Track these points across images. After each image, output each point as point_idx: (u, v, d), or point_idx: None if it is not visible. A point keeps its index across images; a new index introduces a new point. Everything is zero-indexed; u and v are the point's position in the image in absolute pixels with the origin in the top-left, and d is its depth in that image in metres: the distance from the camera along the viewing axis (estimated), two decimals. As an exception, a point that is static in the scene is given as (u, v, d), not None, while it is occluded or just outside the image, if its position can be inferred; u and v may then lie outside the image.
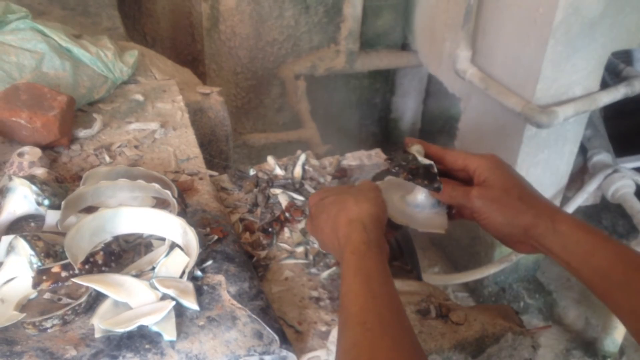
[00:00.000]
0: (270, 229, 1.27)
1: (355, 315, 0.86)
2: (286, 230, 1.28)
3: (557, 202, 2.47)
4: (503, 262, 2.39)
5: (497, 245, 2.50)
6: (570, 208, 2.43)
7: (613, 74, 2.30)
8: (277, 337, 1.00)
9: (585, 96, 2.13)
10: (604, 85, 2.19)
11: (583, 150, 2.50)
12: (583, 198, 2.43)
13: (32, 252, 1.01)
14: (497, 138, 2.31)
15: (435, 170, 1.03)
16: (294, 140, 2.46)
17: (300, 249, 1.25)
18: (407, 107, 3.17)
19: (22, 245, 1.01)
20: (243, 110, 2.71)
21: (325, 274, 1.20)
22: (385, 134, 3.14)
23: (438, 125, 3.29)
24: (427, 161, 1.04)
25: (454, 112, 3.06)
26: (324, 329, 1.10)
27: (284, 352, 1.00)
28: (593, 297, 2.79)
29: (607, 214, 3.16)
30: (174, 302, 0.98)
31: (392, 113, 3.18)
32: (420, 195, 1.11)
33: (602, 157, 2.45)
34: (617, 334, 2.43)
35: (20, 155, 1.24)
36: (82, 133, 1.38)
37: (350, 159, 1.48)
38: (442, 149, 1.09)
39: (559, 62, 2.00)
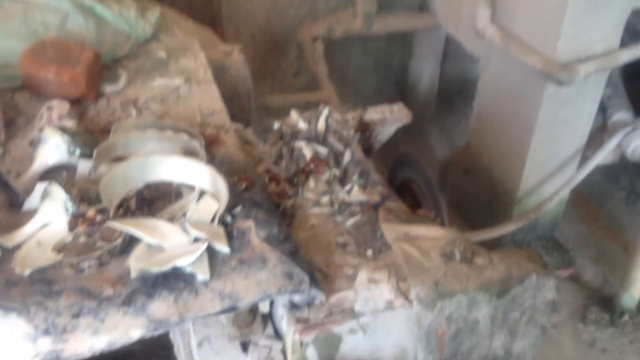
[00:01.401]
0: (295, 180, 1.30)
1: None
2: (311, 180, 1.31)
3: (576, 162, 2.46)
4: (522, 220, 2.40)
5: (516, 204, 2.51)
6: (589, 166, 2.42)
7: (632, 33, 2.28)
8: (306, 278, 1.03)
9: (606, 54, 2.11)
10: (624, 45, 2.17)
11: (602, 109, 2.49)
12: (602, 156, 2.42)
13: (67, 197, 1.04)
14: (517, 97, 2.30)
15: None
16: (312, 101, 2.47)
17: (325, 198, 1.27)
18: (425, 70, 3.16)
19: (57, 191, 1.04)
20: (260, 73, 2.71)
21: (350, 221, 1.23)
22: (402, 97, 3.12)
23: (455, 88, 3.28)
24: None
25: (472, 74, 3.05)
26: (350, 272, 1.13)
27: (313, 292, 1.03)
28: (611, 256, 2.79)
29: (625, 175, 3.15)
30: (206, 244, 1.01)
31: (409, 76, 3.17)
32: None
33: (622, 115, 2.44)
34: (635, 290, 2.44)
35: (50, 108, 1.27)
36: (108, 88, 1.41)
37: (373, 113, 1.50)
38: None
39: (580, 19, 1.99)
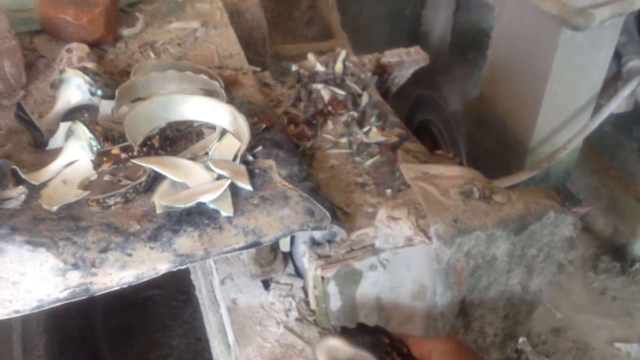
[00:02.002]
0: (314, 121, 1.30)
1: None
2: (329, 122, 1.31)
3: (589, 110, 2.46)
4: (534, 169, 2.40)
5: (528, 154, 2.51)
6: (603, 115, 2.41)
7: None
8: (328, 214, 1.04)
9: (623, -2, 2.09)
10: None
11: (617, 56, 2.47)
12: (616, 104, 2.40)
13: (92, 136, 1.05)
14: (532, 44, 2.28)
15: None
16: (326, 50, 2.45)
17: (344, 140, 1.28)
18: (437, 20, 3.12)
19: (82, 130, 1.05)
20: (272, 23, 2.69)
21: (369, 162, 1.24)
22: (414, 48, 3.11)
23: (468, 39, 3.25)
24: None
25: (484, 25, 3.02)
26: (370, 210, 1.14)
27: (335, 228, 1.05)
28: (622, 205, 2.80)
29: (637, 126, 3.14)
30: (229, 181, 1.02)
31: (422, 26, 3.14)
32: None
33: (637, 62, 2.42)
34: (647, 238, 2.46)
35: (69, 51, 1.27)
36: (125, 32, 1.41)
37: (390, 56, 1.49)
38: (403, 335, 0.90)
39: (596, -38, 1.96)
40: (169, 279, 1.88)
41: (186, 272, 1.63)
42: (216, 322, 1.25)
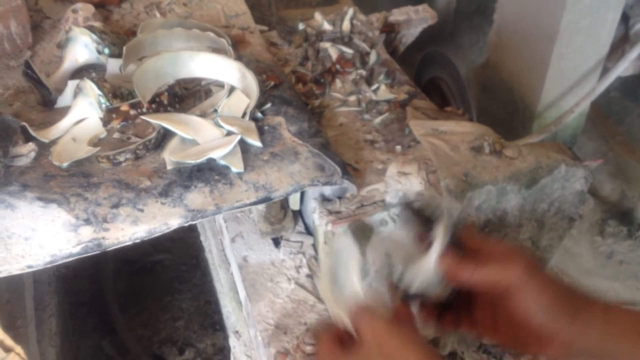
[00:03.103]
0: (322, 80, 1.29)
1: None
2: (337, 81, 1.30)
3: (597, 72, 2.44)
4: (542, 133, 2.39)
5: (535, 118, 2.50)
6: (610, 78, 2.40)
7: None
8: (338, 169, 1.04)
9: (632, -42, 2.06)
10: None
11: (624, 19, 2.44)
12: (623, 67, 2.38)
13: (100, 93, 1.04)
14: (539, 7, 2.26)
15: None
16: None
17: (352, 98, 1.27)
18: (442, -16, 3.10)
19: (90, 87, 1.05)
20: (276, -11, 2.67)
21: (378, 119, 1.23)
22: (419, 14, 3.08)
23: (473, 4, 3.22)
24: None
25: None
26: (380, 166, 1.14)
27: (345, 183, 1.05)
28: (629, 170, 2.79)
29: (645, 90, 3.12)
30: (239, 136, 1.02)
31: (426, -8, 3.12)
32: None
33: (645, 25, 2.40)
34: (654, 203, 2.46)
35: (74, 11, 1.26)
36: (130, -8, 1.39)
37: (397, 15, 1.48)
38: (480, 241, 0.84)
39: None
40: (178, 244, 1.89)
41: (195, 236, 1.63)
42: (227, 281, 1.26)
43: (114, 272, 1.90)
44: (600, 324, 0.74)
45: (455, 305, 0.84)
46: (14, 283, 1.29)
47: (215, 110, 1.09)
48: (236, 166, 1.01)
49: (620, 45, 2.48)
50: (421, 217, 0.85)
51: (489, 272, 0.77)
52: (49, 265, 0.92)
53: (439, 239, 0.80)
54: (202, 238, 1.51)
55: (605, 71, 2.47)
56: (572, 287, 0.78)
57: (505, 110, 2.65)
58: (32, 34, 1.25)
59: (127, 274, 1.93)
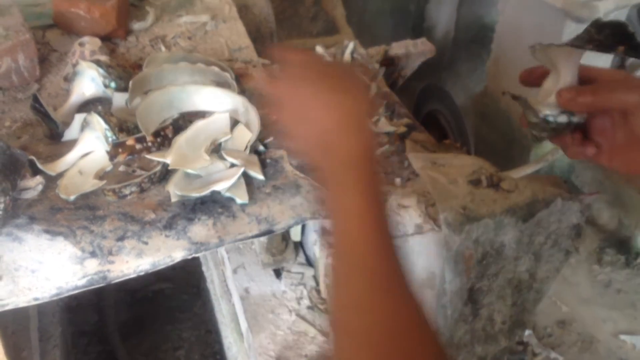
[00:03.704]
0: (323, 113, 1.32)
1: (365, 267, 0.68)
2: (338, 113, 1.33)
3: (594, 102, 2.47)
4: (539, 162, 2.42)
5: (533, 148, 2.53)
6: (607, 108, 2.43)
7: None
8: (339, 202, 1.06)
9: (626, -9, 2.10)
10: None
11: (621, 49, 2.48)
12: (620, 97, 2.42)
13: (107, 127, 1.07)
14: (536, 37, 2.29)
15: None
16: (331, 45, 2.48)
17: (353, 130, 1.29)
18: (441, 14, 3.14)
19: (97, 121, 1.07)
20: (277, 19, 2.70)
21: (378, 151, 1.25)
22: (418, 43, 3.13)
23: (472, 33, 3.26)
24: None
25: (488, 20, 3.03)
26: (380, 198, 1.16)
27: (346, 216, 1.06)
28: (626, 198, 2.80)
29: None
30: (243, 169, 1.04)
31: (425, 21, 3.16)
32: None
33: (640, 55, 2.44)
34: (651, 230, 2.47)
35: (81, 44, 1.29)
36: (136, 25, 1.42)
37: (397, 48, 1.51)
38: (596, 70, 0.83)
39: (600, -45, 1.98)
40: (179, 272, 1.90)
41: (196, 265, 1.65)
42: (229, 311, 1.27)
43: (115, 301, 1.91)
44: None
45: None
46: (19, 314, 1.31)
47: (220, 144, 1.11)
48: (241, 197, 1.03)
49: (616, 75, 2.52)
50: None
51: (609, 95, 0.76)
52: (54, 298, 0.94)
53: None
54: (204, 268, 1.52)
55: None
56: None
57: (503, 139, 2.68)
58: (39, 67, 1.27)
59: (129, 303, 1.94)
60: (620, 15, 2.23)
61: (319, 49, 1.46)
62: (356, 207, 0.69)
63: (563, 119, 0.81)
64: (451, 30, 3.25)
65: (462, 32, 3.28)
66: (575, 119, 0.81)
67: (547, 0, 2.09)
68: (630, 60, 2.48)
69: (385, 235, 0.70)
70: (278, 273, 1.20)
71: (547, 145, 2.44)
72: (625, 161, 0.80)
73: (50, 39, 1.39)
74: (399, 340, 0.63)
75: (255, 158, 1.10)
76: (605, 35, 0.75)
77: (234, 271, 1.21)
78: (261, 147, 1.13)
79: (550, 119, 0.82)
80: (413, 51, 1.48)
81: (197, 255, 1.00)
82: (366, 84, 0.74)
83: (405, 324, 0.65)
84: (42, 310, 1.43)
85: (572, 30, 2.16)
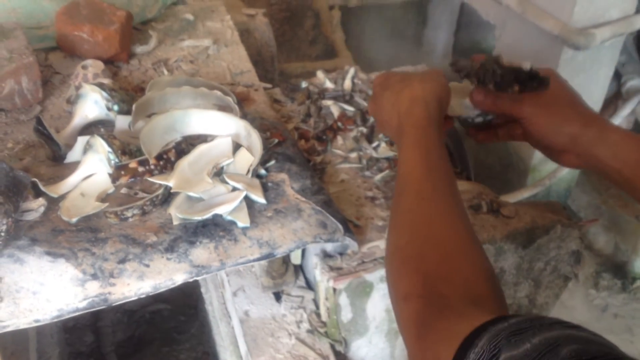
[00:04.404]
0: (324, 137, 1.33)
1: (412, 184, 0.90)
2: (339, 138, 1.34)
3: (590, 128, 2.49)
4: (536, 187, 2.43)
5: (530, 171, 2.54)
6: (604, 133, 2.45)
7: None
8: (340, 226, 1.07)
9: (622, 19, 2.13)
10: (639, 10, 2.19)
11: (617, 76, 2.51)
12: (616, 123, 2.44)
13: (110, 150, 1.07)
14: (534, 61, 2.32)
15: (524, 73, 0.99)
16: (330, 69, 2.49)
17: (353, 155, 1.30)
18: (439, 39, 3.17)
19: (100, 143, 1.08)
20: (277, 42, 2.72)
21: (379, 176, 1.26)
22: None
23: (468, 58, 3.29)
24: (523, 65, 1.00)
25: (485, 44, 3.06)
26: (380, 223, 1.17)
27: (347, 240, 1.07)
28: (622, 223, 2.80)
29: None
30: (245, 192, 1.05)
31: (423, 46, 3.19)
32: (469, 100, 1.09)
33: (636, 82, 2.46)
34: (647, 255, 2.48)
35: (84, 67, 1.30)
36: (139, 49, 1.44)
37: (397, 74, 1.52)
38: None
39: (597, -16, 2.00)
40: (177, 293, 1.89)
41: (194, 286, 1.64)
42: (228, 334, 1.27)
43: (112, 321, 1.90)
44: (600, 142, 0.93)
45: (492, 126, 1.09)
46: (18, 335, 1.30)
47: (222, 167, 1.12)
48: (242, 221, 1.04)
49: (613, 102, 2.55)
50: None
51: (504, 103, 1.01)
52: (55, 320, 0.94)
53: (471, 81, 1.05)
54: (202, 290, 1.52)
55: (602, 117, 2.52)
56: (576, 106, 0.98)
57: (501, 163, 2.70)
58: (42, 89, 1.28)
59: (126, 324, 1.93)
60: (617, 43, 2.26)
61: (320, 74, 1.47)
62: (410, 150, 0.93)
63: (478, 119, 1.08)
64: (448, 54, 3.28)
65: (459, 56, 3.31)
66: (488, 117, 1.08)
67: (544, 27, 2.12)
68: (628, 85, 2.51)
69: (434, 170, 0.91)
70: (278, 296, 1.20)
71: (544, 170, 2.46)
72: (538, 147, 1.04)
73: (53, 61, 1.39)
74: (438, 236, 0.83)
75: (257, 182, 1.11)
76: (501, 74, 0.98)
77: (234, 294, 1.21)
78: (262, 171, 1.14)
79: (469, 120, 1.09)
80: (413, 77, 1.49)
81: (198, 278, 1.00)
82: (444, 79, 1.04)
83: (446, 229, 0.84)
84: (40, 331, 1.43)
85: (569, 56, 2.18)
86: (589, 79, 2.31)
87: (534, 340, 0.56)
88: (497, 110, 1.04)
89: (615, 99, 2.54)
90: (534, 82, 0.98)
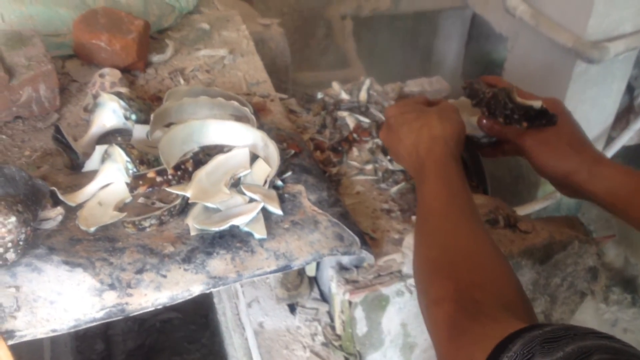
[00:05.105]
0: (339, 148, 1.33)
1: (437, 209, 0.95)
2: (354, 149, 1.34)
3: (602, 141, 2.48)
4: (547, 200, 2.43)
5: (541, 184, 2.53)
6: (615, 147, 2.44)
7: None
8: (357, 239, 1.06)
9: (636, 32, 2.13)
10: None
11: (629, 90, 2.51)
12: (628, 136, 2.44)
13: (128, 159, 1.07)
14: (545, 75, 2.32)
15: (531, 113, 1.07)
16: (341, 78, 2.49)
17: (369, 167, 1.30)
18: (449, 50, 3.17)
19: (118, 153, 1.08)
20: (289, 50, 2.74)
21: (394, 189, 1.26)
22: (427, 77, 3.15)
23: (479, 69, 3.29)
24: (530, 104, 1.06)
25: (496, 56, 3.06)
26: (397, 236, 1.16)
27: (364, 253, 1.07)
28: (632, 237, 2.79)
29: (648, 158, 3.16)
30: (262, 204, 1.05)
31: (433, 56, 3.19)
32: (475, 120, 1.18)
33: (649, 96, 2.46)
34: (658, 270, 2.47)
35: (102, 76, 1.30)
36: (155, 58, 1.44)
37: (412, 86, 1.52)
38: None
39: (611, -3, 2.00)
40: (188, 302, 1.89)
41: (205, 295, 1.64)
42: (241, 345, 1.26)
43: (123, 330, 1.90)
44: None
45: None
46: (33, 345, 1.30)
47: (239, 179, 1.12)
48: (259, 232, 1.03)
49: (625, 115, 2.54)
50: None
51: (509, 132, 1.10)
52: (72, 330, 0.93)
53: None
54: (215, 300, 1.52)
55: (609, 140, 2.52)
56: (574, 145, 1.04)
57: (511, 174, 2.69)
58: (59, 97, 1.28)
59: (137, 332, 1.93)
60: (630, 57, 2.25)
61: (336, 85, 1.47)
62: (433, 181, 0.99)
63: (484, 140, 1.18)
64: (459, 65, 3.28)
65: (470, 68, 3.31)
66: (493, 139, 1.17)
67: (557, 40, 2.12)
68: (639, 100, 2.50)
69: (457, 197, 0.96)
70: (292, 308, 1.20)
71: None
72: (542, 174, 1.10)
73: (70, 69, 1.40)
74: (466, 249, 0.88)
75: (273, 193, 1.10)
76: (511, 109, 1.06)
77: (249, 305, 1.21)
78: (279, 182, 1.14)
79: (475, 139, 1.18)
80: (428, 89, 1.50)
81: (215, 289, 1.00)
82: (457, 114, 1.12)
83: (475, 243, 0.89)
84: (55, 339, 1.43)
85: (582, 69, 2.18)
86: (601, 93, 2.31)
87: (567, 348, 0.57)
88: (502, 137, 1.13)
89: (627, 112, 2.53)
90: (542, 119, 1.04)
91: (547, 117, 1.04)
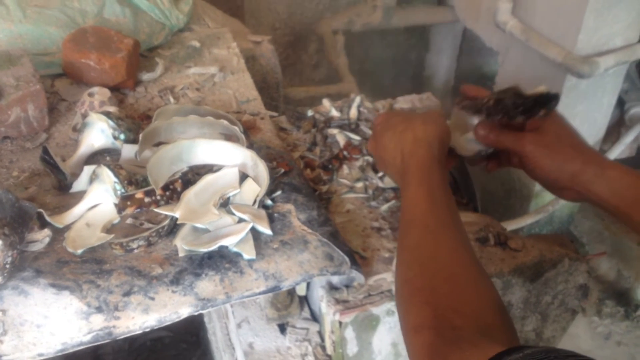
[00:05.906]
0: (330, 166, 1.33)
1: (419, 219, 0.95)
2: (345, 167, 1.33)
3: (593, 155, 2.49)
4: (539, 213, 2.43)
5: (533, 197, 2.53)
6: (607, 160, 2.44)
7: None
8: (347, 259, 1.06)
9: (626, 47, 2.14)
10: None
11: (620, 103, 2.52)
12: (619, 150, 2.45)
13: (116, 180, 1.07)
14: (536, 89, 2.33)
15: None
16: (333, 93, 2.50)
17: (359, 184, 1.30)
18: (441, 64, 3.18)
19: (107, 174, 1.07)
20: (280, 66, 2.74)
21: (385, 207, 1.26)
22: (418, 91, 3.16)
23: (471, 83, 3.30)
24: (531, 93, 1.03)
25: (487, 69, 3.07)
26: (387, 255, 1.16)
27: (354, 273, 1.06)
28: (625, 250, 2.79)
29: None
30: (251, 224, 1.04)
31: (425, 70, 3.20)
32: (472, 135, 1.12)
33: (639, 109, 2.47)
34: (650, 283, 2.47)
35: (91, 95, 1.30)
36: (145, 76, 1.44)
37: (402, 102, 1.52)
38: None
39: (601, 12, 2.01)
40: (179, 321, 1.87)
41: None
42: (231, 366, 1.26)
43: (114, 349, 1.88)
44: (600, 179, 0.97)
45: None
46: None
47: (228, 198, 1.11)
48: (248, 253, 1.03)
49: (616, 129, 2.55)
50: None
51: (507, 139, 1.05)
52: (59, 354, 0.93)
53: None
54: (206, 319, 1.51)
55: (601, 153, 2.52)
56: (576, 146, 1.01)
57: (503, 188, 2.69)
58: (48, 117, 1.28)
59: (127, 352, 1.91)
60: (620, 71, 2.26)
61: (326, 103, 1.47)
62: (415, 187, 0.98)
63: (483, 152, 1.11)
64: (451, 79, 3.29)
65: (461, 81, 3.32)
66: (489, 151, 1.10)
67: (547, 54, 2.12)
68: (631, 113, 2.51)
69: (439, 205, 0.95)
70: (282, 328, 1.19)
71: (547, 196, 2.46)
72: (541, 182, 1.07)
73: (59, 88, 1.39)
74: (446, 269, 0.86)
75: (263, 213, 1.10)
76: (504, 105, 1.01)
77: (238, 325, 1.20)
78: (269, 201, 1.13)
79: (470, 153, 1.12)
80: (419, 105, 1.49)
81: (203, 311, 0.99)
82: (444, 120, 1.10)
83: (453, 261, 0.88)
84: (42, 361, 1.41)
85: (573, 84, 2.19)
86: (592, 107, 2.32)
87: None
88: (500, 145, 1.08)
89: (618, 126, 2.54)
90: (539, 109, 1.01)
91: (548, 102, 1.00)
